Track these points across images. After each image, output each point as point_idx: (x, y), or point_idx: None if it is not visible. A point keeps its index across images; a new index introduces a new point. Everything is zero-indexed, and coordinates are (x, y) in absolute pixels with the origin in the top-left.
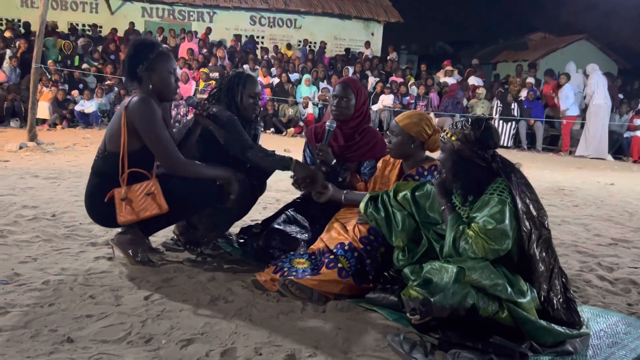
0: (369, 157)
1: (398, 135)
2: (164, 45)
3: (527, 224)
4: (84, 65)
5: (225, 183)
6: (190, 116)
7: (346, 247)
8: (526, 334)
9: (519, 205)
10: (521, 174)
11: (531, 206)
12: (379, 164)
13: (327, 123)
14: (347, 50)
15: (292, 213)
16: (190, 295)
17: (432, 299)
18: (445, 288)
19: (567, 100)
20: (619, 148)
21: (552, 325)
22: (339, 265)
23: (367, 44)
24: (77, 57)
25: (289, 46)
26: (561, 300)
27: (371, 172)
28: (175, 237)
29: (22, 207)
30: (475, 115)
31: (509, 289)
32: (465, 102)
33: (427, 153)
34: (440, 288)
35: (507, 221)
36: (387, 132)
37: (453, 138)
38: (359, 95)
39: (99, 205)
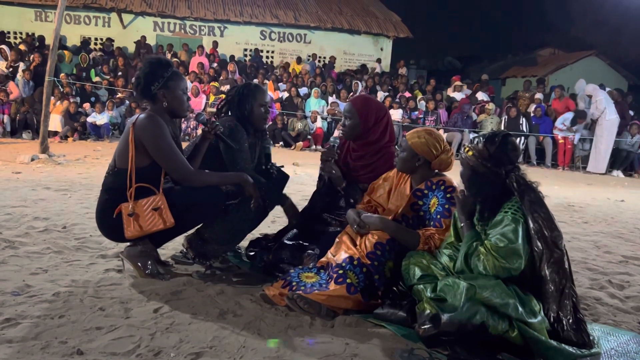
0: None
1: (404, 150)
2: (174, 59)
3: (538, 244)
4: (96, 79)
5: (242, 186)
6: (199, 131)
7: (355, 262)
8: (536, 353)
9: (531, 225)
10: (536, 193)
11: (544, 226)
12: (392, 177)
13: (330, 139)
14: (364, 66)
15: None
16: (199, 309)
17: (442, 314)
18: (457, 305)
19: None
20: (629, 164)
21: (563, 345)
22: (348, 280)
23: (379, 60)
24: (92, 71)
25: (298, 60)
26: (571, 320)
27: None
28: (185, 250)
29: (34, 218)
30: (485, 130)
31: (520, 309)
32: (474, 117)
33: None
34: (453, 304)
35: (519, 241)
36: (396, 147)
37: (469, 153)
38: (365, 116)
39: (110, 222)
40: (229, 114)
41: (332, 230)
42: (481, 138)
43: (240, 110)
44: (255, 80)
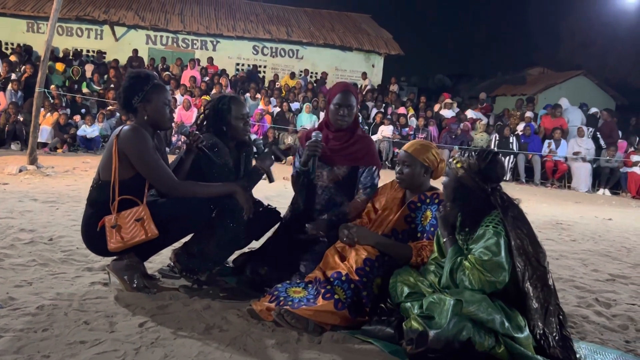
0: (364, 163)
1: (411, 165)
2: (166, 73)
3: (520, 260)
4: (86, 90)
5: (234, 197)
6: (184, 146)
7: (343, 278)
8: None
9: (513, 241)
10: (519, 210)
11: (525, 243)
12: (385, 191)
13: (313, 134)
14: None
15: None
16: (185, 323)
17: (429, 331)
18: (444, 321)
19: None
20: (616, 183)
21: None
22: (335, 296)
23: (364, 75)
24: (84, 83)
25: (292, 75)
26: (557, 337)
27: (370, 183)
28: (172, 264)
29: (20, 230)
30: (475, 147)
31: (506, 324)
32: (464, 134)
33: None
34: (440, 321)
35: (502, 253)
36: (386, 162)
37: (458, 165)
38: (358, 101)
39: (95, 235)
40: (210, 129)
41: (322, 241)
42: (472, 153)
43: (217, 125)
44: (248, 95)
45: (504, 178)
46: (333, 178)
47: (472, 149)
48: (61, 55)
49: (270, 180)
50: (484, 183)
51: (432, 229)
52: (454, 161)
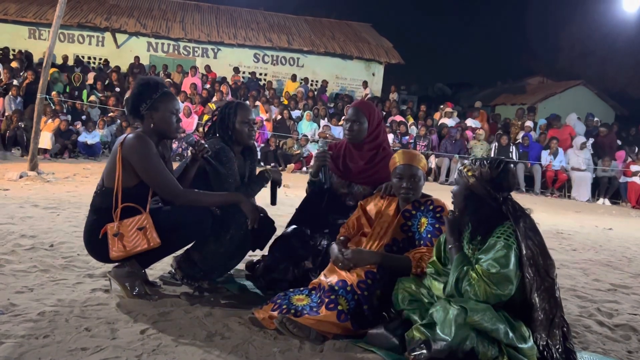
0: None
1: (418, 177)
2: (167, 80)
3: (530, 271)
4: (91, 97)
5: (239, 205)
6: (189, 153)
7: (348, 288)
8: None
9: (524, 251)
10: (531, 220)
11: (536, 254)
12: (382, 202)
13: (319, 143)
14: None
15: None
16: (186, 331)
17: (432, 341)
18: (447, 330)
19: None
20: (615, 193)
21: None
22: (339, 307)
23: (365, 84)
24: (85, 91)
25: (294, 77)
26: (560, 350)
27: None
28: (173, 270)
29: (21, 236)
30: (475, 156)
31: (510, 334)
32: (465, 142)
33: None
34: (443, 330)
35: (511, 267)
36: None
37: (469, 173)
38: (372, 119)
39: (97, 242)
40: (217, 135)
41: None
42: (484, 161)
43: (224, 129)
44: (247, 102)
45: (516, 187)
46: (358, 198)
47: (483, 158)
48: (60, 62)
49: (273, 202)
50: (496, 192)
51: (429, 235)
52: (465, 169)
